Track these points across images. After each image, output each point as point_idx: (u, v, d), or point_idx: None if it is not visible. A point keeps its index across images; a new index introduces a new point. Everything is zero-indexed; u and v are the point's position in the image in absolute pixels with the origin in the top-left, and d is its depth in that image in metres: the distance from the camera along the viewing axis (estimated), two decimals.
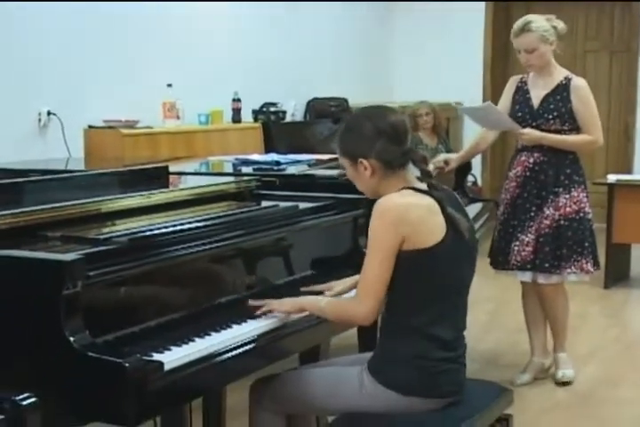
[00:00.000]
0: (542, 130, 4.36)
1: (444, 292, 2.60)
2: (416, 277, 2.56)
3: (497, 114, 4.43)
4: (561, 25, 4.35)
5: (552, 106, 4.36)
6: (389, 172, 2.62)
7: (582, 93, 4.36)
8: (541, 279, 4.46)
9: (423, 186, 2.63)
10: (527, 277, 4.50)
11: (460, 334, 2.70)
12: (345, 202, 3.35)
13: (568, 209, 4.39)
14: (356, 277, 2.91)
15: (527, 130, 4.37)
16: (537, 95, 4.42)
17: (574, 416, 4.20)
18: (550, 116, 4.35)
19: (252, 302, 2.73)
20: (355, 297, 2.62)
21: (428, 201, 2.57)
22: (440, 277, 2.57)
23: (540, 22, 4.31)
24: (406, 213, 2.51)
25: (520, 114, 4.43)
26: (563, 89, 4.37)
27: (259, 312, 2.69)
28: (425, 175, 2.66)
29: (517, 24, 4.35)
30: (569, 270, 4.41)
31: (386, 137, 2.59)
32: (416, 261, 2.53)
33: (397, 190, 2.59)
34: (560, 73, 4.43)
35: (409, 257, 2.53)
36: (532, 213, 4.43)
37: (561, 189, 4.39)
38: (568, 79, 4.39)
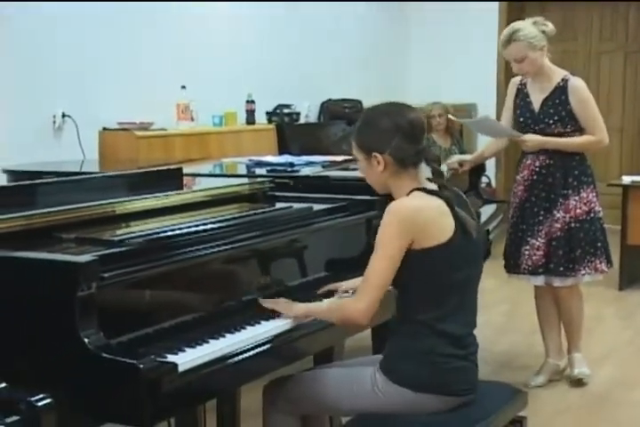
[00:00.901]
0: (546, 134, 4.33)
1: (451, 289, 2.61)
2: (425, 276, 2.57)
3: (495, 125, 4.43)
4: (549, 27, 4.30)
5: (552, 110, 4.33)
6: (401, 169, 2.63)
7: (580, 94, 4.32)
8: (556, 283, 4.45)
9: (433, 186, 2.65)
10: (540, 281, 4.49)
11: (470, 331, 2.71)
12: (359, 203, 3.35)
13: (578, 211, 4.37)
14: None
15: (528, 136, 4.34)
16: (537, 99, 4.39)
17: (589, 418, 4.19)
18: (551, 121, 4.33)
19: (261, 301, 2.74)
20: (354, 296, 2.64)
21: (438, 202, 2.59)
22: (449, 275, 2.59)
23: (527, 30, 4.25)
24: (416, 217, 2.53)
25: (522, 119, 4.42)
26: (560, 92, 4.33)
27: (267, 305, 2.71)
28: (436, 175, 2.66)
29: (504, 34, 4.31)
30: (583, 272, 4.40)
31: (402, 134, 2.60)
32: (425, 260, 2.56)
33: (407, 192, 2.61)
34: (557, 74, 4.38)
35: (418, 256, 2.55)
36: (541, 217, 4.42)
37: (570, 191, 4.37)
38: (565, 80, 4.35)
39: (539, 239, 4.41)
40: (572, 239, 4.37)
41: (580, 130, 4.36)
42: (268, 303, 2.74)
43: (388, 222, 2.54)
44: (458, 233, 2.58)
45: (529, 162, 4.45)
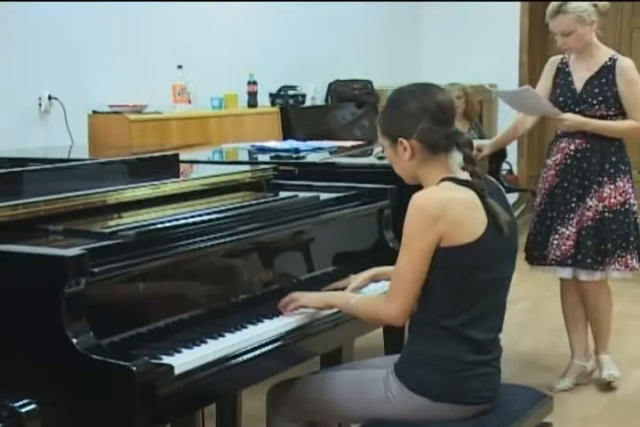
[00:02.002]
0: (586, 116, 4.32)
1: (482, 291, 2.58)
2: (454, 276, 2.54)
3: (535, 98, 4.39)
4: (602, 2, 4.30)
5: (596, 90, 4.32)
6: (430, 156, 2.60)
7: (629, 76, 4.31)
8: (583, 276, 4.43)
9: (465, 175, 2.61)
10: (567, 273, 4.48)
11: (497, 335, 2.69)
12: (369, 192, 3.35)
13: (613, 200, 4.35)
14: (373, 270, 2.94)
15: (568, 115, 4.33)
16: (580, 78, 4.38)
17: (620, 425, 4.18)
18: (595, 101, 4.31)
19: (281, 304, 2.75)
20: (386, 296, 2.62)
21: (469, 195, 2.55)
22: (479, 276, 2.56)
23: (578, 2, 4.25)
24: (445, 210, 2.49)
25: (562, 99, 4.39)
26: (608, 71, 4.32)
27: (288, 308, 2.72)
28: (468, 161, 2.61)
29: (552, 4, 4.30)
30: (613, 267, 4.38)
31: (430, 116, 2.56)
32: (454, 259, 2.53)
33: (436, 182, 2.58)
34: (604, 53, 4.38)
35: (446, 254, 2.52)
36: (573, 204, 4.40)
37: (605, 179, 4.35)
38: (613, 60, 4.34)
39: (569, 228, 4.39)
40: (603, 230, 4.35)
41: (623, 114, 4.33)
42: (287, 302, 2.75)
43: (412, 216, 2.51)
44: (489, 230, 2.54)
45: (563, 145, 4.42)
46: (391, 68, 8.63)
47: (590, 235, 4.36)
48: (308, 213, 3.09)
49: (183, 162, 3.57)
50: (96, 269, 2.24)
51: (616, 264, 4.38)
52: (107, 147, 5.34)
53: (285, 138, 5.89)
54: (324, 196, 3.24)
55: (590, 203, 4.37)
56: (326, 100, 7.97)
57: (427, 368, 2.59)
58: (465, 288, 2.56)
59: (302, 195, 3.22)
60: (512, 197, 4.88)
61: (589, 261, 4.37)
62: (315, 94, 7.63)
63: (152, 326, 2.41)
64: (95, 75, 5.70)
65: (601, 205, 4.35)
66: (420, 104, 2.58)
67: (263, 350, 2.49)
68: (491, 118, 8.72)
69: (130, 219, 2.73)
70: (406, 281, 2.54)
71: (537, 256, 4.51)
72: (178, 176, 3.35)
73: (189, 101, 6.07)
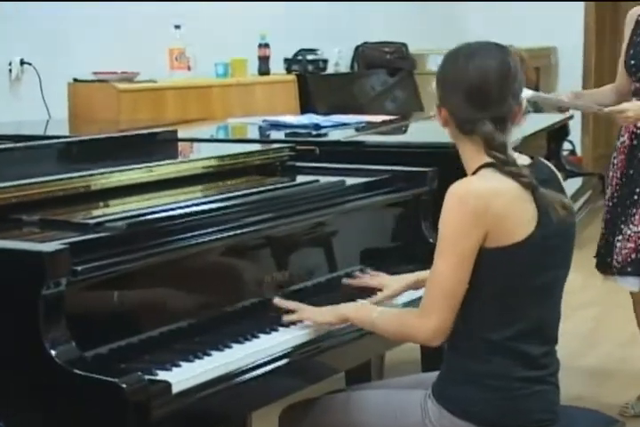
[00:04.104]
0: None
1: (534, 297, 2.58)
2: (500, 281, 2.54)
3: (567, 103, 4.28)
4: None
5: None
6: (461, 133, 2.60)
7: None
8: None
9: (519, 158, 2.60)
10: (630, 283, 4.31)
11: (552, 347, 2.68)
12: (404, 176, 3.35)
13: None
14: (418, 273, 2.92)
15: (628, 104, 4.10)
16: None
17: None
18: None
19: (277, 302, 2.75)
20: (419, 310, 2.61)
21: (514, 183, 2.53)
22: (530, 280, 2.56)
23: None
24: (490, 202, 2.48)
25: (634, 61, 4.24)
26: None
27: (287, 319, 2.71)
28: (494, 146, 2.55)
29: None
30: None
31: (465, 92, 2.54)
32: (501, 262, 2.52)
33: (475, 168, 2.57)
34: None
35: (492, 257, 2.51)
36: (636, 197, 4.22)
37: None
38: None
39: (631, 226, 4.22)
40: None
41: None
42: (287, 305, 2.74)
43: (453, 210, 2.51)
44: (541, 224, 2.53)
45: None
46: (430, 29, 8.62)
47: None
48: (331, 202, 3.09)
49: (182, 140, 3.58)
50: (79, 268, 2.24)
51: None
52: (90, 122, 5.35)
53: (303, 111, 5.90)
54: (350, 181, 3.24)
55: None
56: (352, 67, 7.97)
57: (470, 387, 2.59)
58: (514, 295, 2.55)
59: (324, 180, 3.22)
60: (575, 183, 4.84)
61: None
62: (338, 59, 7.64)
63: (145, 336, 2.42)
64: (76, 36, 5.71)
65: None
66: (460, 73, 2.56)
67: (277, 364, 2.50)
68: (549, 88, 8.69)
69: (118, 208, 2.75)
70: (445, 292, 2.52)
71: (608, 263, 4.32)
72: (176, 157, 3.37)
73: (189, 68, 6.08)
